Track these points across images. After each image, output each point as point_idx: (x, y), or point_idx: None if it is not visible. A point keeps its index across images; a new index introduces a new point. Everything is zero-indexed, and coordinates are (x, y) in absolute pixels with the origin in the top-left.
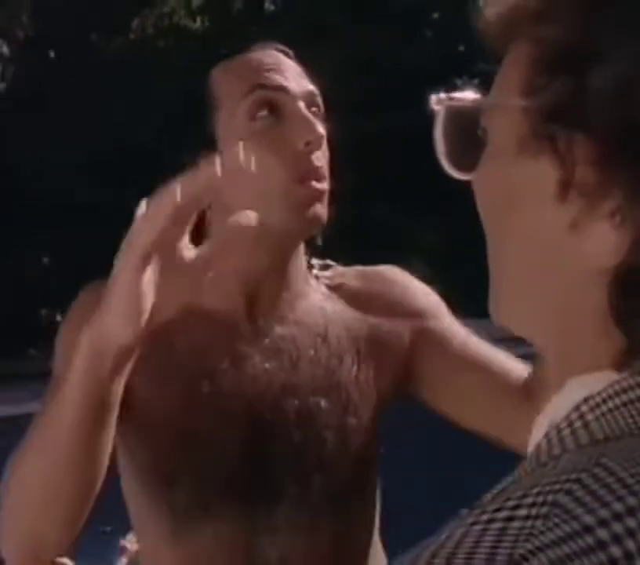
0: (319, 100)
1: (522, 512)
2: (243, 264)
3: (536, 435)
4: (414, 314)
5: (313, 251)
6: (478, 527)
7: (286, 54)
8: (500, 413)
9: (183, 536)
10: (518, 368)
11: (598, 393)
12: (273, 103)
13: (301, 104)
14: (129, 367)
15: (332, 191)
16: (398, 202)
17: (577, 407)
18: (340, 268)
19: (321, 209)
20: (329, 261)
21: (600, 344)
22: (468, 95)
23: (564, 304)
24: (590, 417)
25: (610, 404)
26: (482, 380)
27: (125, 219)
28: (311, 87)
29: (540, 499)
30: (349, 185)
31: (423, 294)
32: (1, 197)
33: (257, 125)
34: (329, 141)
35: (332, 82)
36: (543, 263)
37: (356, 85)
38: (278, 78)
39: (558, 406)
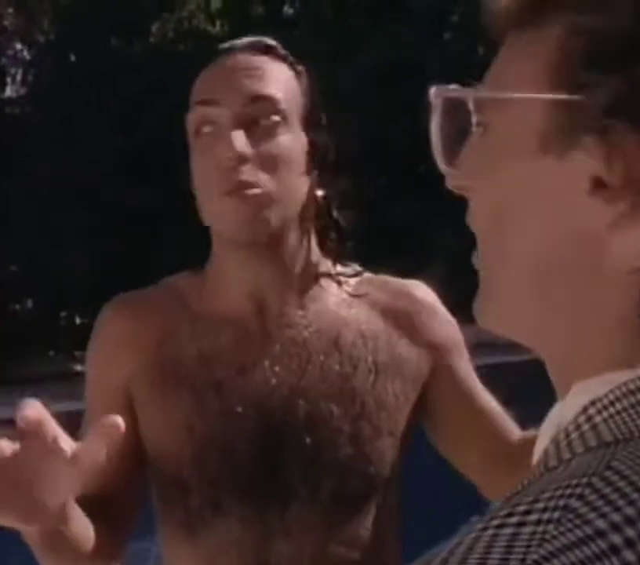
0: (279, 106)
1: (533, 516)
2: (240, 272)
3: (541, 442)
4: (436, 346)
5: (336, 255)
6: (488, 533)
7: (269, 49)
8: (492, 467)
9: (197, 536)
10: (514, 429)
11: (605, 395)
12: (211, 119)
13: (227, 119)
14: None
15: (350, 194)
16: (418, 204)
17: (585, 410)
18: (368, 275)
19: (263, 214)
20: (357, 267)
21: (620, 345)
22: (467, 90)
23: (581, 304)
24: (598, 419)
25: (618, 406)
26: (486, 432)
27: (150, 221)
28: (265, 92)
29: (552, 504)
30: (370, 188)
31: (447, 325)
32: (22, 199)
33: (201, 142)
34: (312, 145)
35: (352, 86)
36: (562, 262)
37: (376, 88)
38: (216, 93)
39: (565, 411)
